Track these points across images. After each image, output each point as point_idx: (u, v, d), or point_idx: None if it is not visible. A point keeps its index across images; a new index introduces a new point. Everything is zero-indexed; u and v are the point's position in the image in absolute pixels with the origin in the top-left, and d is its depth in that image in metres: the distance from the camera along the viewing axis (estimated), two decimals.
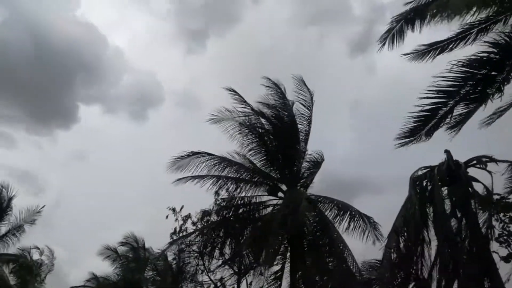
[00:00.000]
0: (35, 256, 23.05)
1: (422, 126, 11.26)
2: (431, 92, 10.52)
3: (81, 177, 47.56)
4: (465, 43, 10.85)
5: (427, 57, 11.35)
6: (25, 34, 43.57)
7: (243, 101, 16.40)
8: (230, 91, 16.29)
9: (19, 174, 42.99)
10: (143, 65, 68.20)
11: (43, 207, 23.24)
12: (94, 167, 48.42)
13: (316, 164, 16.84)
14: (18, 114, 47.73)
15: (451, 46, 10.95)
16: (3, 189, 22.69)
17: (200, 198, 17.05)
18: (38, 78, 42.47)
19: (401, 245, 14.23)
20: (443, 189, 13.59)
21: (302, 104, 16.93)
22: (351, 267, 15.23)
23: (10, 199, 22.80)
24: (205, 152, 16.38)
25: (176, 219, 18.17)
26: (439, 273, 12.90)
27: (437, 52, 11.17)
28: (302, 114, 16.97)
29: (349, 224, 15.48)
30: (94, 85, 52.21)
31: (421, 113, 10.97)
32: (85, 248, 38.26)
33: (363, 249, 16.40)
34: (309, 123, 16.88)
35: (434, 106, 10.80)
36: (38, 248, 23.07)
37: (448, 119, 11.04)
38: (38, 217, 22.97)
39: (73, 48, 46.34)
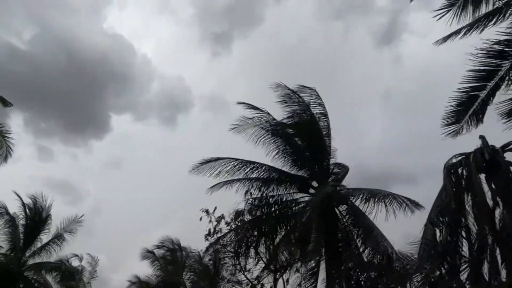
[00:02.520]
0: (75, 263, 23.80)
1: (465, 111, 10.91)
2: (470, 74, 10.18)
3: (117, 184, 48.88)
4: (494, 22, 10.39)
5: (457, 37, 10.89)
6: (56, 49, 45.21)
7: (257, 109, 16.66)
8: (244, 104, 16.59)
9: (57, 185, 44.48)
10: (170, 71, 69.42)
11: (82, 216, 23.98)
12: (128, 173, 49.69)
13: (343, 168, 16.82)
14: (54, 127, 49.50)
15: (483, 24, 10.46)
16: (39, 200, 23.40)
17: (232, 198, 17.23)
18: (71, 90, 43.93)
19: (439, 236, 13.91)
20: (480, 176, 13.20)
21: (315, 103, 17.02)
22: (389, 258, 14.93)
23: (49, 209, 23.55)
24: (230, 158, 16.62)
25: (210, 221, 18.30)
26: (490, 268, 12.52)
27: (466, 31, 10.68)
28: (320, 112, 17.05)
29: (382, 206, 15.06)
30: (125, 94, 53.56)
31: (462, 97, 10.63)
32: (124, 253, 39.19)
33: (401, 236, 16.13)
34: (326, 118, 16.96)
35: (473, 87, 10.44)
36: (77, 255, 23.79)
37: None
38: (79, 226, 23.66)
39: (103, 59, 47.82)
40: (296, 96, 16.81)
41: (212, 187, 16.63)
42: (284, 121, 16.78)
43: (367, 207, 15.47)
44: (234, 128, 16.48)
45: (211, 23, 57.81)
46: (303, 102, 16.82)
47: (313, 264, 15.92)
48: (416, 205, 14.93)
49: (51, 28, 47.58)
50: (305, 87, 17.01)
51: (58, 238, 23.31)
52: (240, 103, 16.57)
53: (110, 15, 61.57)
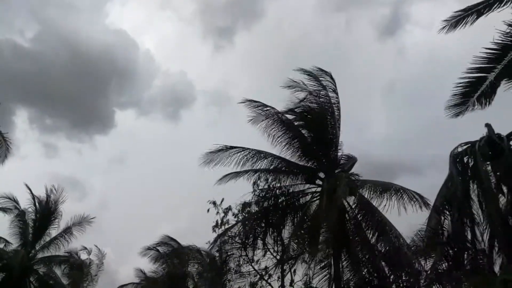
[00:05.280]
0: (84, 256, 24.06)
1: (473, 92, 10.83)
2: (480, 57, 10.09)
3: (123, 179, 49.08)
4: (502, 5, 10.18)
5: (463, 24, 10.74)
6: (59, 46, 45.49)
7: (265, 105, 16.57)
8: (250, 101, 16.50)
9: (63, 181, 44.79)
10: (173, 67, 69.57)
11: (93, 218, 24.40)
12: (133, 168, 49.98)
13: (350, 159, 16.83)
14: (59, 123, 49.91)
15: (487, 9, 10.29)
16: (54, 193, 23.68)
17: (239, 190, 17.39)
18: (74, 87, 44.11)
19: (445, 225, 14.02)
20: (486, 164, 13.28)
21: (329, 90, 16.67)
22: (399, 247, 15.07)
23: (58, 203, 23.75)
24: (240, 147, 16.72)
25: (217, 212, 18.47)
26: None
27: (474, 17, 10.51)
28: (332, 101, 16.72)
29: (392, 201, 15.20)
30: (128, 90, 53.81)
31: (470, 79, 10.51)
32: (131, 247, 39.45)
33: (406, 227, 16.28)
34: (338, 108, 16.65)
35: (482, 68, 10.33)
36: (86, 248, 24.06)
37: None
38: (88, 225, 23.94)
39: (106, 55, 47.95)
40: (307, 82, 16.51)
41: (220, 179, 16.65)
42: (293, 108, 16.58)
43: (377, 199, 15.70)
44: (251, 119, 16.48)
45: (213, 17, 58.08)
46: (314, 90, 16.52)
47: (324, 256, 15.99)
48: (425, 202, 14.97)
49: (53, 26, 47.96)
50: (323, 71, 16.59)
51: (67, 232, 23.55)
52: (246, 101, 16.53)
53: (112, 11, 61.92)
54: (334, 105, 16.62)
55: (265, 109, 16.59)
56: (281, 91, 16.86)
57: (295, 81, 16.37)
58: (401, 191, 15.09)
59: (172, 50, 61.61)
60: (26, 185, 23.08)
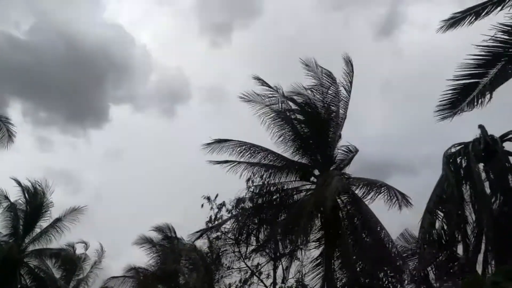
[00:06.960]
0: (80, 250, 23.96)
1: (464, 97, 10.84)
2: (471, 60, 10.13)
3: (117, 174, 48.60)
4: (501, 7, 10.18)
5: (462, 24, 10.73)
6: (55, 39, 44.97)
7: (271, 88, 16.37)
8: (258, 80, 16.31)
9: (57, 175, 44.35)
10: (170, 62, 69.22)
11: (84, 206, 23.95)
12: (128, 163, 49.37)
13: (350, 152, 16.78)
14: (53, 116, 49.53)
15: (486, 10, 10.27)
16: (39, 185, 23.34)
17: (233, 186, 17.33)
18: (69, 80, 43.59)
19: (438, 225, 14.11)
20: (479, 165, 13.37)
21: (342, 86, 16.40)
22: (388, 247, 15.11)
23: (49, 194, 23.51)
24: (236, 140, 16.59)
25: (211, 208, 18.48)
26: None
27: (472, 18, 10.51)
28: (342, 97, 16.48)
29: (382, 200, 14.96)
30: (124, 84, 53.45)
31: (461, 83, 10.55)
32: (124, 241, 39.08)
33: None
34: (346, 106, 16.42)
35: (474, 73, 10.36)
36: (84, 243, 23.91)
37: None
38: (81, 215, 23.68)
39: (102, 49, 47.50)
40: (315, 77, 16.25)
41: (214, 161, 16.33)
42: (293, 106, 16.40)
43: (367, 197, 15.60)
44: (244, 97, 16.29)
45: (210, 13, 57.81)
46: (324, 82, 16.25)
47: (317, 254, 16.02)
48: (406, 201, 14.57)
49: (50, 18, 47.44)
50: (351, 65, 16.17)
51: (58, 224, 23.34)
52: (255, 78, 16.30)
53: (109, 5, 61.50)
54: (343, 103, 16.41)
55: (270, 93, 16.41)
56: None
57: (309, 65, 16.18)
58: (391, 191, 15.01)
59: (169, 46, 61.30)
60: (14, 179, 22.84)
